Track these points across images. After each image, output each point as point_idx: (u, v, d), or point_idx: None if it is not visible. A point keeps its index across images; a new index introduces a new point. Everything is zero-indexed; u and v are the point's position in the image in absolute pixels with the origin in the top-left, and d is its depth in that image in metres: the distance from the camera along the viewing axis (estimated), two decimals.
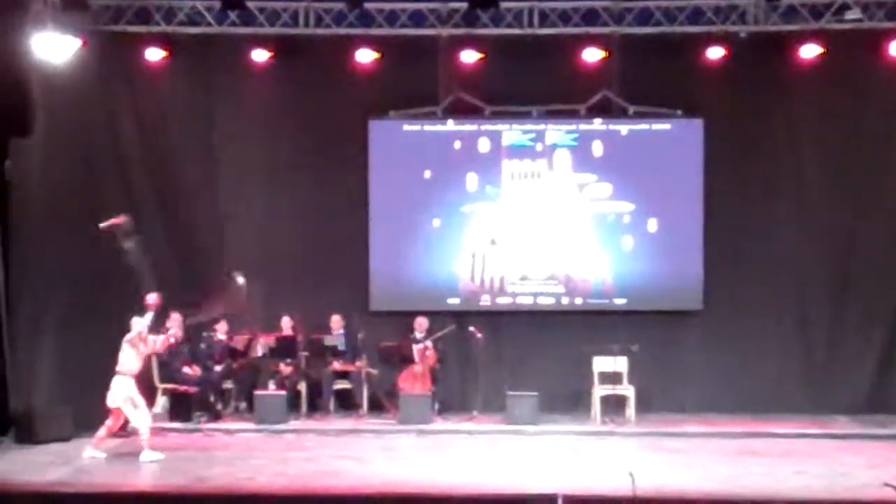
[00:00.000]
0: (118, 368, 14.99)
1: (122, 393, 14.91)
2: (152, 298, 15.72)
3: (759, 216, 18.84)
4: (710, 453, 15.43)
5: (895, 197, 18.70)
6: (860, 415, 18.10)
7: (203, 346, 18.21)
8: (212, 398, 17.90)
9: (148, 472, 13.95)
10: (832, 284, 18.87)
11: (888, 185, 18.71)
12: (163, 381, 17.54)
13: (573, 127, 19.24)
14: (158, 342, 15.62)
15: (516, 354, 18.86)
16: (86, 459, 14.74)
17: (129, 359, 15.06)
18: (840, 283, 18.85)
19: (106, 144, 18.35)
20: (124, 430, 15.79)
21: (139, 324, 15.19)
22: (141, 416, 15.01)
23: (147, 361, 15.93)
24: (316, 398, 18.54)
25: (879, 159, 18.71)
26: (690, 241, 18.94)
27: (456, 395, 18.86)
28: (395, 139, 19.30)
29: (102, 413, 15.28)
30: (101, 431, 15.09)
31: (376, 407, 18.33)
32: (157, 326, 16.25)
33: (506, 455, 15.45)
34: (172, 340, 16.39)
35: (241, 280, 17.70)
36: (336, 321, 18.62)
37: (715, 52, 18.42)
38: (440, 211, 19.27)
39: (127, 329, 15.23)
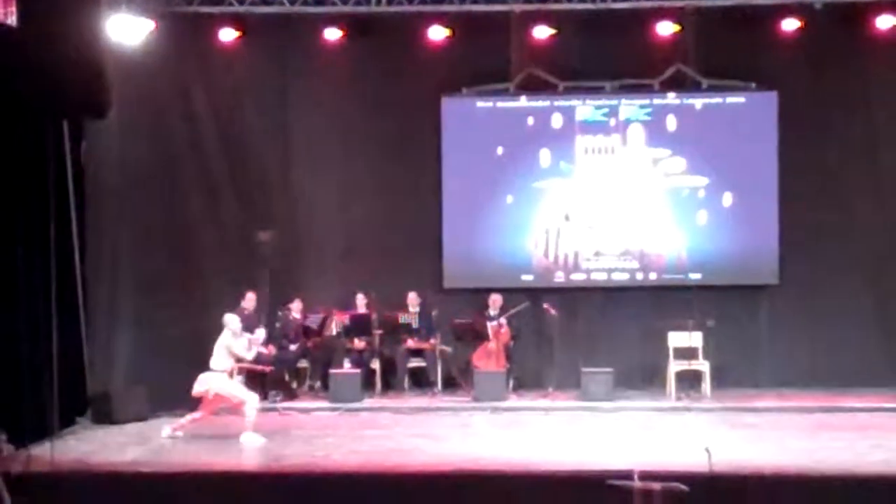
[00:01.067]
0: (211, 364, 14.92)
1: (210, 384, 14.85)
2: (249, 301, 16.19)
3: (834, 189, 18.65)
4: (787, 428, 15.33)
5: None
6: None
7: (278, 325, 18.28)
8: (287, 377, 18.00)
9: (224, 452, 14.02)
10: None
11: None
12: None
13: (647, 101, 19.15)
14: (243, 350, 15.36)
15: (591, 331, 18.79)
16: (163, 439, 14.83)
17: (221, 358, 14.94)
18: None
19: (180, 125, 18.48)
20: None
21: (234, 329, 15.13)
22: (243, 398, 14.95)
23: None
24: (390, 376, 18.59)
25: None
26: (766, 216, 18.81)
27: (530, 372, 18.84)
28: (467, 116, 19.28)
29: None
30: (185, 419, 15.07)
31: (451, 385, 18.37)
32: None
33: (581, 432, 15.42)
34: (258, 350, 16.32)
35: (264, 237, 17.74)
36: (412, 298, 18.66)
37: (789, 24, 18.26)
38: (513, 187, 19.23)
39: (214, 320, 15.32)
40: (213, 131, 18.76)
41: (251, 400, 14.88)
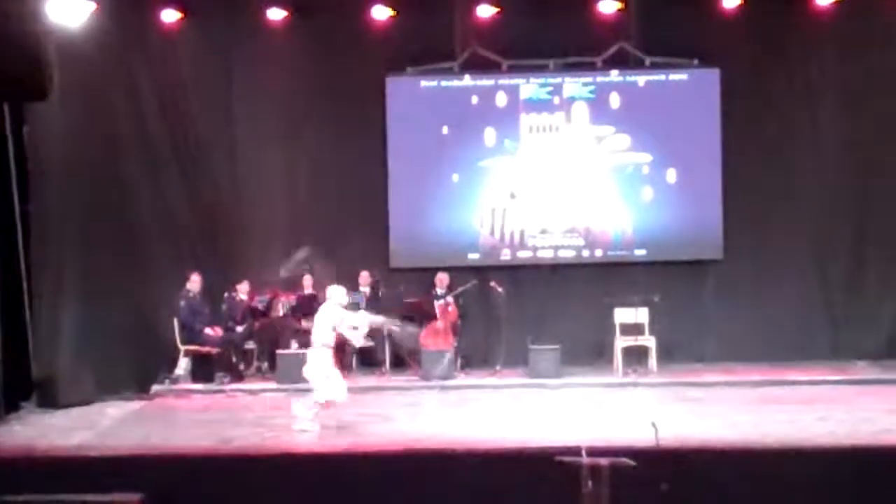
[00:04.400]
0: (313, 340, 14.16)
1: (316, 364, 14.03)
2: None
3: (777, 164, 18.80)
4: (733, 402, 15.48)
5: None
6: (881, 360, 18.12)
7: (224, 306, 18.24)
8: (234, 359, 17.95)
9: (171, 435, 13.97)
10: (851, 231, 18.87)
11: None
12: (185, 342, 17.54)
13: (590, 79, 19.23)
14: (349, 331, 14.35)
15: (537, 308, 18.89)
16: (108, 422, 14.72)
17: (322, 332, 14.03)
18: (859, 229, 18.84)
19: (124, 107, 18.32)
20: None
21: (340, 301, 14.22)
22: (326, 389, 13.95)
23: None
24: (338, 356, 18.56)
25: None
26: (709, 191, 18.95)
27: (478, 350, 18.89)
28: (412, 95, 19.29)
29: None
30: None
31: (399, 364, 18.39)
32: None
33: (529, 408, 15.49)
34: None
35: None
36: (364, 277, 18.67)
37: (731, 1, 18.42)
38: (459, 166, 19.26)
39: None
40: (157, 113, 18.63)
41: (326, 391, 13.94)
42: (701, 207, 18.99)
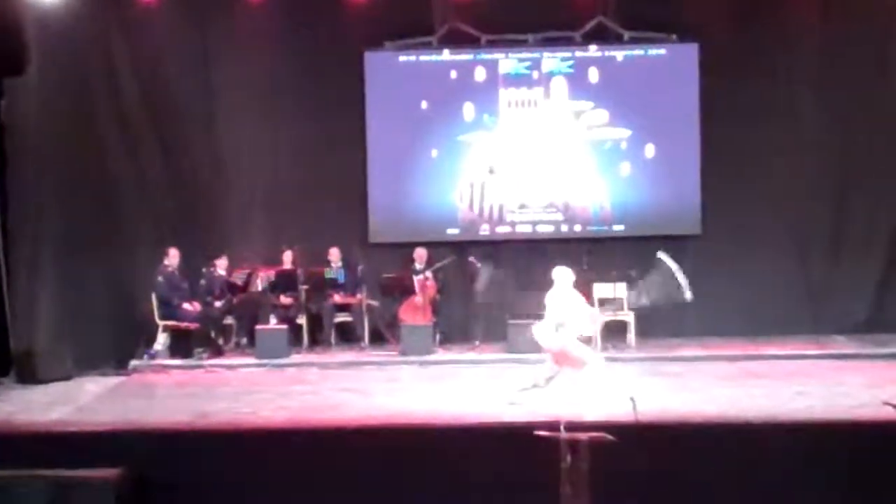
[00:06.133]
0: (573, 326, 13.77)
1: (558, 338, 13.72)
2: None
3: (755, 139, 18.75)
4: (711, 377, 15.52)
5: (892, 118, 18.62)
6: (859, 335, 18.17)
7: (203, 282, 18.19)
8: (213, 334, 17.91)
9: (150, 410, 13.95)
10: (830, 206, 18.86)
11: (886, 107, 18.63)
12: (163, 318, 17.50)
13: (569, 54, 19.20)
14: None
15: (516, 283, 18.86)
16: (87, 398, 14.72)
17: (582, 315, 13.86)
18: (838, 204, 18.84)
19: (102, 83, 18.25)
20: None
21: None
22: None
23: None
24: (317, 332, 18.57)
25: (876, 80, 18.63)
26: (688, 166, 18.95)
27: (457, 325, 18.88)
28: (390, 70, 19.24)
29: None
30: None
31: (378, 339, 18.38)
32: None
33: (508, 383, 15.46)
34: None
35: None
36: (335, 254, 18.64)
37: None
38: (438, 141, 19.23)
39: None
40: (135, 88, 18.55)
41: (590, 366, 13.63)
42: (679, 183, 19.01)
